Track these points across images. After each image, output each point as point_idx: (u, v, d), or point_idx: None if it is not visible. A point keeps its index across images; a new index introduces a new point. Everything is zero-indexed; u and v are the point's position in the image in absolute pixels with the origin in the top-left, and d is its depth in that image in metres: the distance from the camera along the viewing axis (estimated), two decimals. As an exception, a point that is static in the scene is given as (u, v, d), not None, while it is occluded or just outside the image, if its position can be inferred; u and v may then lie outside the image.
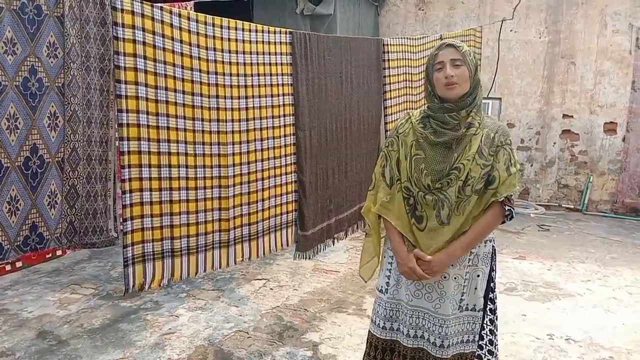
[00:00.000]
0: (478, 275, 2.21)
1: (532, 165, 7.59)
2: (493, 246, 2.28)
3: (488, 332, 2.27)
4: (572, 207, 7.40)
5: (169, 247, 2.81)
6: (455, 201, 2.07)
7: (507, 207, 2.11)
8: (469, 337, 2.24)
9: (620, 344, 3.54)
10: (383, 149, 2.34)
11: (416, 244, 2.17)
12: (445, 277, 2.16)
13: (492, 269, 2.27)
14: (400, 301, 2.26)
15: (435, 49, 2.16)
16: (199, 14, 2.93)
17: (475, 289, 2.20)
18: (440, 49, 2.13)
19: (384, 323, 2.30)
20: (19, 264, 3.46)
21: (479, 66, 2.11)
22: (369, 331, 2.36)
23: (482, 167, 2.06)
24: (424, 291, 2.20)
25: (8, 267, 3.41)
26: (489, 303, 2.27)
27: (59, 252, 5.05)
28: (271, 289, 4.47)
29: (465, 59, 2.08)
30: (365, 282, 2.59)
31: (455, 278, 2.17)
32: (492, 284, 2.28)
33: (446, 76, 2.06)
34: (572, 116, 7.31)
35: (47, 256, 4.93)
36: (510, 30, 7.28)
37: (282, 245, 3.60)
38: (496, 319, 2.31)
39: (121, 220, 2.66)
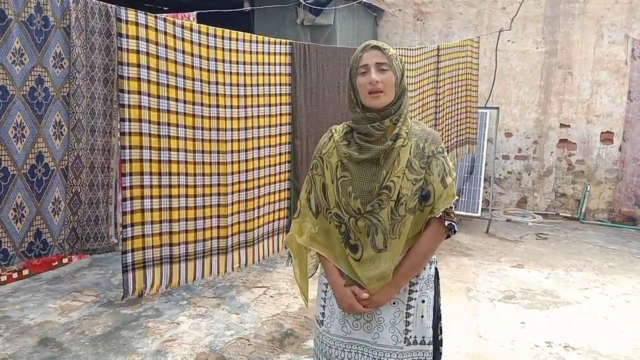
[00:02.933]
0: (423, 301, 1.97)
1: (529, 174, 7.64)
2: (436, 268, 2.05)
3: None
4: (570, 215, 7.44)
5: (168, 254, 2.86)
6: (390, 224, 1.84)
7: (447, 222, 1.89)
8: None
9: (619, 352, 3.56)
10: (308, 172, 2.10)
11: (354, 277, 1.92)
12: None
13: (437, 294, 2.04)
14: (335, 336, 2.02)
15: (358, 51, 1.92)
16: (201, 25, 2.99)
17: (422, 317, 1.95)
18: (364, 50, 1.90)
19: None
20: (25, 272, 3.49)
21: (405, 71, 1.94)
22: None
23: (413, 182, 1.84)
24: (363, 321, 1.97)
25: (15, 275, 3.44)
26: (439, 333, 2.05)
27: (65, 260, 5.08)
28: (271, 296, 4.49)
29: (391, 63, 1.86)
30: (306, 304, 2.31)
31: (394, 303, 1.94)
32: (439, 312, 2.05)
33: (370, 81, 1.83)
34: (569, 125, 7.37)
35: (54, 264, 4.96)
36: (508, 41, 7.36)
37: (275, 250, 3.68)
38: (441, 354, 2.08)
39: (121, 227, 2.71)
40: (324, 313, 2.09)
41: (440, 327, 2.07)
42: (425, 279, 1.98)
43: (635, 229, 6.96)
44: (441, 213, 1.86)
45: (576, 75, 7.24)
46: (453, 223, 1.91)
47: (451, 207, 1.89)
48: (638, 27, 6.87)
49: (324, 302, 2.10)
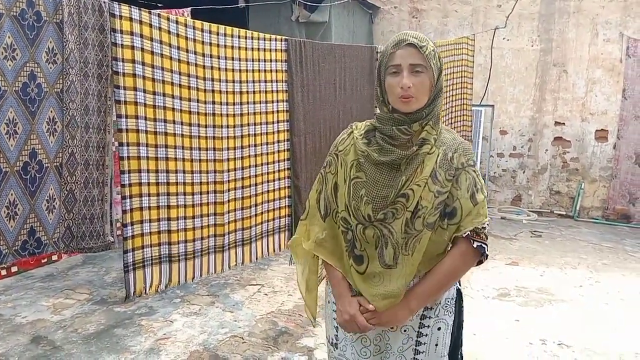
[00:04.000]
0: (439, 328, 1.74)
1: (524, 172, 7.65)
2: (458, 289, 1.81)
3: None
4: (564, 213, 7.46)
5: (167, 253, 2.84)
6: (403, 237, 1.62)
7: (476, 243, 1.65)
8: None
9: (613, 349, 3.57)
10: (321, 170, 1.88)
11: (359, 292, 1.72)
12: (391, 327, 1.72)
13: (459, 319, 1.81)
14: None
15: (391, 46, 1.64)
16: (195, 21, 2.97)
17: (436, 345, 1.74)
18: (398, 46, 1.61)
19: None
20: (14, 269, 3.46)
21: (443, 70, 1.69)
22: None
23: (436, 194, 1.61)
24: (372, 348, 1.77)
25: (3, 272, 3.41)
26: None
27: (54, 257, 5.04)
28: (266, 294, 4.48)
29: (429, 63, 1.60)
30: (313, 324, 2.09)
31: (404, 330, 1.73)
32: (460, 338, 1.84)
33: (402, 86, 1.59)
34: (563, 123, 7.38)
35: (43, 261, 4.92)
36: (503, 39, 7.36)
37: (274, 250, 3.64)
38: None
39: (118, 226, 2.69)
40: (337, 335, 1.84)
41: (461, 354, 1.86)
42: (443, 302, 1.74)
43: (629, 226, 6.99)
44: (469, 232, 1.64)
45: (571, 73, 7.25)
46: (484, 245, 1.66)
47: (483, 228, 1.66)
48: (633, 26, 6.88)
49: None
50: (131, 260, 2.64)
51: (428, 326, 1.73)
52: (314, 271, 1.93)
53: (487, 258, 1.72)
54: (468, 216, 1.63)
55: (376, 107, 4.59)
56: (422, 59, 1.60)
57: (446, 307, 1.75)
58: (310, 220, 1.86)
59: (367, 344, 1.75)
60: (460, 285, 1.82)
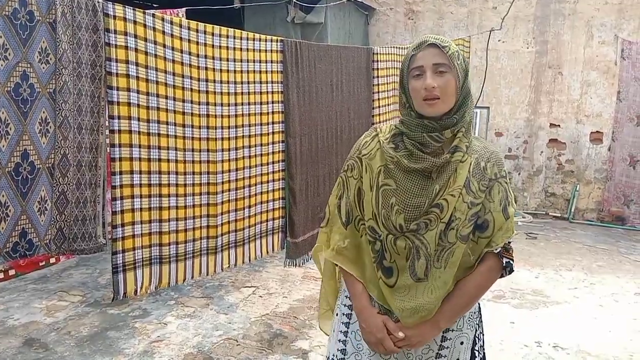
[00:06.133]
0: (462, 343, 1.69)
1: (519, 174, 7.66)
2: (479, 303, 1.76)
3: None
4: (559, 215, 7.47)
5: (157, 254, 2.81)
6: (435, 250, 1.55)
7: (505, 260, 1.62)
8: None
9: (608, 351, 3.57)
10: (341, 174, 1.78)
11: (385, 304, 1.64)
12: None
13: (479, 332, 1.78)
14: None
15: (412, 48, 1.60)
16: (190, 21, 2.95)
17: (457, 359, 1.69)
18: (419, 48, 1.57)
19: None
20: (11, 272, 3.43)
21: (469, 72, 1.64)
22: None
23: (469, 205, 1.55)
24: None
25: (0, 276, 3.39)
26: None
27: (52, 260, 5.00)
28: (260, 296, 4.46)
29: (452, 63, 1.55)
30: (327, 335, 1.97)
31: None
32: (482, 352, 1.80)
33: (425, 87, 1.53)
34: (559, 125, 7.39)
35: (41, 264, 4.88)
36: (499, 41, 7.37)
37: (267, 251, 3.62)
38: None
39: (110, 227, 2.66)
40: (344, 350, 1.73)
41: None
42: (467, 316, 1.69)
43: (624, 228, 7.00)
44: (500, 248, 1.59)
45: (566, 75, 7.26)
46: (511, 262, 1.63)
47: (510, 243, 1.62)
48: (627, 28, 6.90)
49: (345, 336, 1.75)
50: (121, 261, 2.62)
51: (450, 339, 1.67)
52: (336, 285, 1.86)
53: (510, 273, 1.67)
54: (499, 230, 1.58)
55: (374, 109, 4.60)
56: (445, 59, 1.55)
57: (469, 321, 1.71)
58: (331, 228, 1.76)
59: (387, 357, 1.65)
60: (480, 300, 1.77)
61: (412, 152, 1.58)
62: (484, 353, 1.81)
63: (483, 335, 1.79)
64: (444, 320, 1.60)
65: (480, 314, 1.78)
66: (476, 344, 1.75)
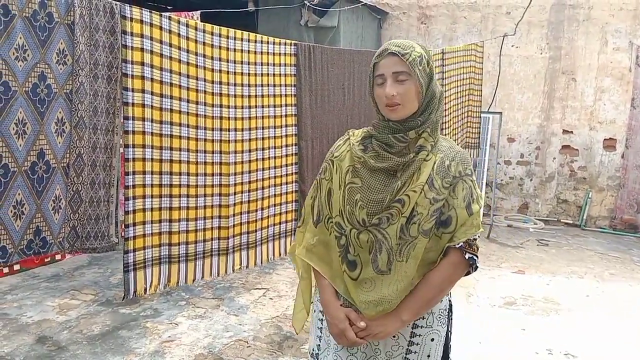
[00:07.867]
0: (432, 339, 1.73)
1: (531, 180, 7.62)
2: (449, 300, 1.81)
3: None
4: (571, 222, 7.42)
5: (167, 253, 2.84)
6: (397, 243, 1.60)
7: (467, 255, 1.64)
8: None
9: (619, 360, 3.54)
10: (317, 176, 1.88)
11: (349, 298, 1.70)
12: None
13: (448, 330, 1.81)
14: None
15: (375, 57, 1.69)
16: (206, 24, 2.97)
17: (428, 356, 1.73)
18: (381, 56, 1.66)
19: None
20: (16, 267, 3.47)
21: (434, 75, 1.69)
22: None
23: (432, 201, 1.60)
24: (359, 355, 1.72)
25: (5, 270, 3.41)
26: None
27: (58, 257, 5.06)
28: (271, 298, 4.47)
29: (413, 69, 1.60)
30: (297, 333, 2.09)
31: (394, 336, 1.70)
32: (449, 350, 1.83)
33: (386, 95, 1.61)
34: (571, 132, 7.35)
35: (46, 260, 4.94)
36: (512, 46, 7.34)
37: (279, 253, 3.63)
38: None
39: (122, 227, 2.69)
40: (319, 345, 1.82)
41: None
42: (437, 313, 1.73)
43: (637, 236, 6.94)
44: (462, 243, 1.63)
45: (580, 81, 7.22)
46: (475, 257, 1.65)
47: (474, 239, 1.65)
48: (643, 35, 6.86)
49: (321, 332, 1.82)
50: (132, 260, 2.64)
51: (420, 335, 1.71)
52: (308, 278, 1.94)
53: (476, 270, 1.70)
54: (462, 226, 1.62)
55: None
56: (405, 67, 1.60)
57: (440, 318, 1.75)
58: (305, 227, 1.86)
59: (354, 351, 1.72)
60: (450, 295, 1.82)
61: (379, 152, 1.66)
62: (450, 347, 1.85)
63: (450, 333, 1.83)
64: (406, 313, 1.64)
65: (451, 312, 1.82)
66: (448, 339, 1.79)
